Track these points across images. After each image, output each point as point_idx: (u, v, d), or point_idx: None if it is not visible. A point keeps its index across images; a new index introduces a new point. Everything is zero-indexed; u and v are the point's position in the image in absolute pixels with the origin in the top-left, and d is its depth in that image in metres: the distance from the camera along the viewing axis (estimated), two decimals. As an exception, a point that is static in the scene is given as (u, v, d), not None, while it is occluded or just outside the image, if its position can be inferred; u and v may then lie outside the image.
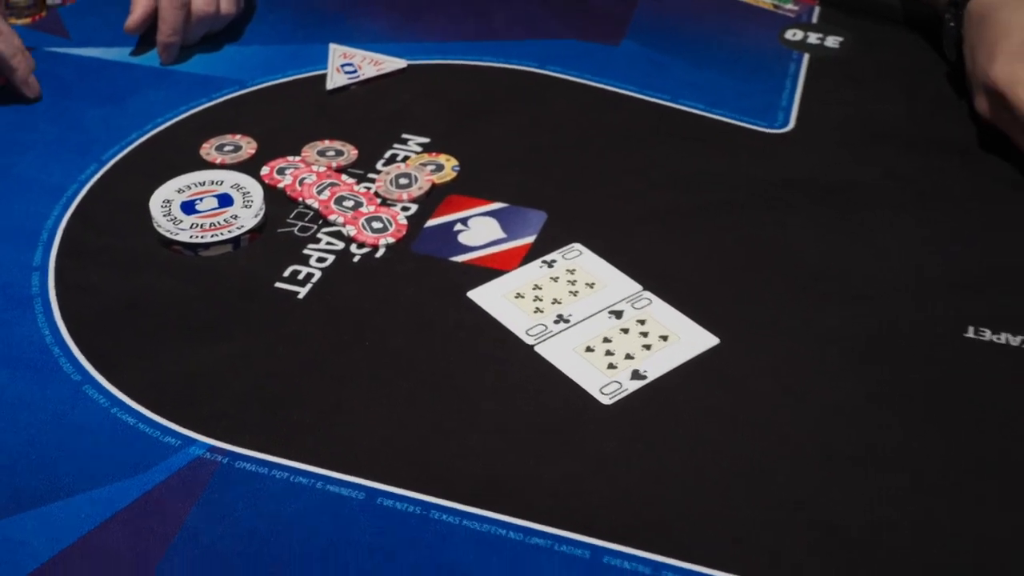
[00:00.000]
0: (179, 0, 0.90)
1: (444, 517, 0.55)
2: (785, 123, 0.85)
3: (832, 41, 0.96)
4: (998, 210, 0.77)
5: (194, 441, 0.59)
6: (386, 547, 0.54)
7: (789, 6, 1.01)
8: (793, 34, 0.97)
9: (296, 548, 0.54)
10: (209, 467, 0.58)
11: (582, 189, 0.79)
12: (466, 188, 0.78)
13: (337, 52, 0.92)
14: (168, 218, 0.72)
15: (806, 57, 0.93)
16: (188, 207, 0.73)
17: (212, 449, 0.58)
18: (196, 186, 0.75)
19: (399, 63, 0.91)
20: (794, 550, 0.54)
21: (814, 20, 0.99)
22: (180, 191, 0.74)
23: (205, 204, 0.73)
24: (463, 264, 0.71)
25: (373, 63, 0.91)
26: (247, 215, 0.73)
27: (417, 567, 0.53)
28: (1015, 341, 0.65)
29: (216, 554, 0.53)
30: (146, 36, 0.93)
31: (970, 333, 0.66)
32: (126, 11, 0.92)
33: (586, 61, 0.93)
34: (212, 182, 0.75)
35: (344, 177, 0.78)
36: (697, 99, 0.88)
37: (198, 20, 0.91)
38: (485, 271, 0.70)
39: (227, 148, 0.81)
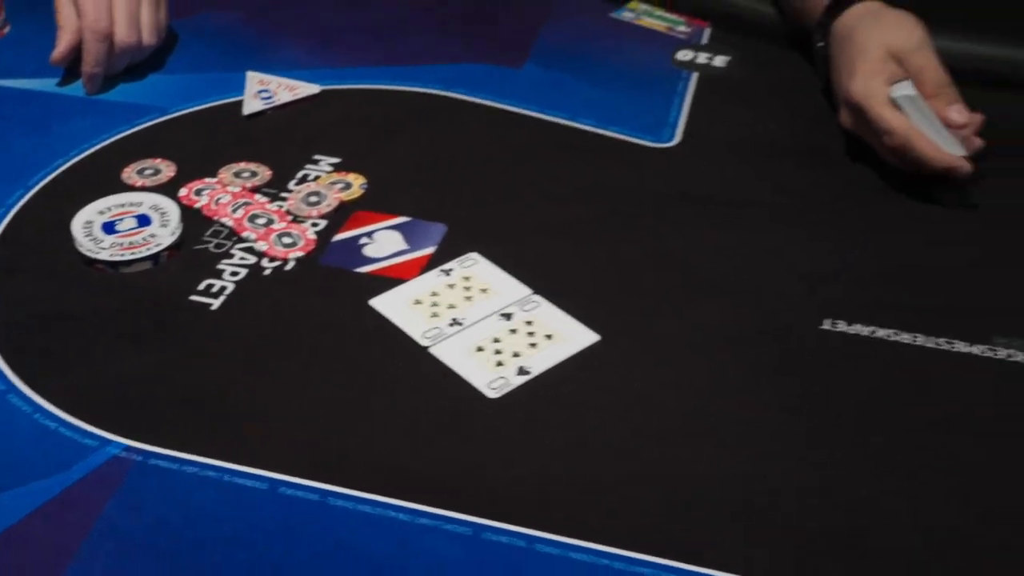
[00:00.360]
0: (102, 33, 0.94)
1: (340, 503, 0.60)
2: (671, 138, 0.91)
3: (720, 60, 1.02)
4: (876, 212, 0.83)
5: (111, 442, 0.64)
6: (287, 531, 0.59)
7: (682, 28, 1.08)
8: (684, 54, 1.03)
9: (204, 534, 0.59)
10: (125, 464, 0.62)
11: (483, 203, 0.84)
12: (373, 204, 0.83)
13: (254, 79, 0.98)
14: (89, 238, 0.77)
15: (695, 76, 1.00)
16: (108, 227, 0.78)
17: (128, 448, 0.63)
18: (116, 208, 0.80)
19: (313, 88, 0.97)
20: (664, 525, 0.60)
21: (704, 41, 1.06)
22: (101, 212, 0.79)
23: (125, 224, 0.78)
24: (367, 275, 0.77)
25: (288, 89, 0.97)
26: (164, 233, 0.78)
27: (315, 548, 0.58)
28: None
29: (131, 542, 0.58)
30: (72, 67, 0.97)
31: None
32: (51, 44, 0.96)
33: (490, 83, 0.99)
34: (131, 204, 0.80)
35: (258, 196, 0.84)
36: (594, 117, 0.94)
37: (120, 51, 0.96)
38: (388, 280, 0.76)
39: (147, 171, 0.86)
